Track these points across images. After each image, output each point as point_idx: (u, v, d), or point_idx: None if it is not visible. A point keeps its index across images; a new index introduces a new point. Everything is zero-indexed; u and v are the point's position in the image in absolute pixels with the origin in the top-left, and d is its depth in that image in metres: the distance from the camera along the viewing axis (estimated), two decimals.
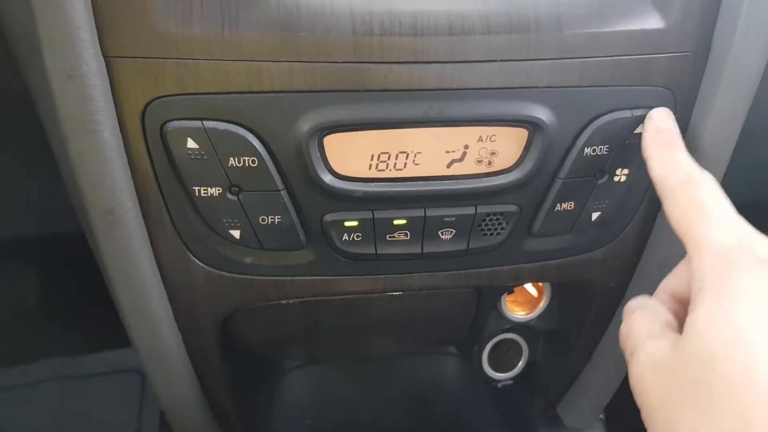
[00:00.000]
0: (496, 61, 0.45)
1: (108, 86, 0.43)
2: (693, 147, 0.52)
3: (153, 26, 0.41)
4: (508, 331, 0.78)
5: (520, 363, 0.81)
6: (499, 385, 0.82)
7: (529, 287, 0.74)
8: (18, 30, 0.45)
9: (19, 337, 1.09)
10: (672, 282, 0.45)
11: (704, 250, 0.38)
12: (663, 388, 0.36)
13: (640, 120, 0.49)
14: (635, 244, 0.60)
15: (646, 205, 0.57)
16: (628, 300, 0.45)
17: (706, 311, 0.35)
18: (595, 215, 0.54)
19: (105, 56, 0.42)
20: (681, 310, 0.43)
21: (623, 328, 0.43)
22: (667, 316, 0.42)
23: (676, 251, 0.44)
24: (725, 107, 0.50)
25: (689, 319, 0.36)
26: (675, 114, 0.51)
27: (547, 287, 0.73)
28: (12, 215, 0.83)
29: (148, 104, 0.44)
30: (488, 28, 0.44)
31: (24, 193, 0.78)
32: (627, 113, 0.49)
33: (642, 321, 0.42)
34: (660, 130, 0.47)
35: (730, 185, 0.55)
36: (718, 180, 0.55)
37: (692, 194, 0.41)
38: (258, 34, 0.42)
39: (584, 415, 0.79)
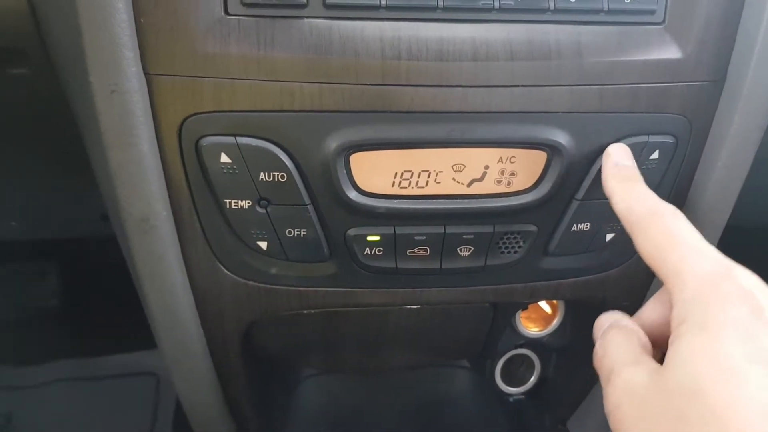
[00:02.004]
0: (517, 86, 0.46)
1: (148, 102, 0.44)
2: (706, 174, 0.53)
3: (193, 46, 0.43)
4: (521, 346, 0.79)
5: (533, 378, 0.81)
6: (511, 399, 0.83)
7: (543, 304, 0.75)
8: (63, 45, 0.47)
9: (36, 337, 1.11)
10: (642, 318, 0.44)
11: (686, 279, 0.36)
12: (641, 418, 0.34)
13: (657, 146, 0.50)
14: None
15: None
16: None
17: (691, 343, 0.33)
18: (609, 236, 0.55)
19: (146, 73, 0.43)
20: (654, 340, 0.41)
21: (598, 347, 0.41)
22: (641, 337, 0.40)
23: None
24: (739, 135, 0.51)
25: (672, 350, 0.34)
26: (689, 141, 0.52)
27: (560, 304, 0.74)
28: (35, 218, 0.84)
29: (185, 120, 0.45)
30: (511, 54, 0.45)
31: (49, 196, 0.80)
32: (643, 138, 0.49)
33: (618, 342, 0.40)
34: (619, 166, 0.47)
35: (742, 210, 0.56)
36: (730, 206, 0.56)
37: (663, 225, 0.40)
38: (291, 56, 0.44)
39: (594, 430, 0.80)
